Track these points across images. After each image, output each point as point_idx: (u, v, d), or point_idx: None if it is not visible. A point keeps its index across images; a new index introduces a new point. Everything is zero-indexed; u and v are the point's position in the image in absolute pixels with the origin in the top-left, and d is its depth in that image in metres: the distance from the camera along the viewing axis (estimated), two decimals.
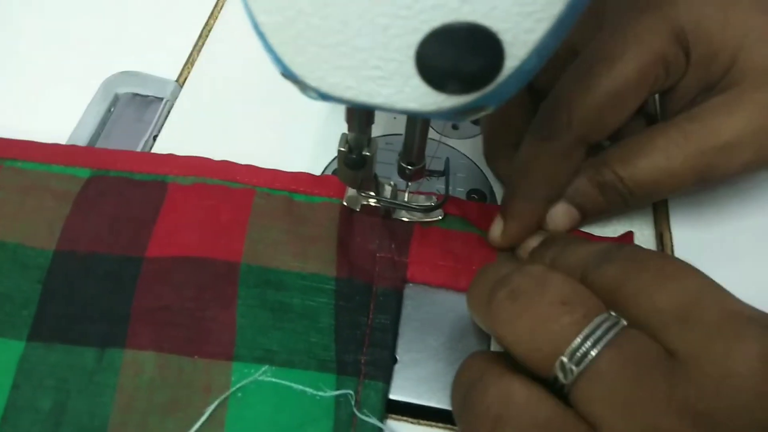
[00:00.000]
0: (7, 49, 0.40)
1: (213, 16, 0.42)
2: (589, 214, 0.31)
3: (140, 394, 0.28)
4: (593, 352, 0.20)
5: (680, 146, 0.29)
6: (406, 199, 0.32)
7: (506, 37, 0.18)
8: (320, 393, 0.28)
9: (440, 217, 0.32)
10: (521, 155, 0.30)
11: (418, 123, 0.29)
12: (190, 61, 0.40)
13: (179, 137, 0.36)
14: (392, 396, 0.29)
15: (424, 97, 0.20)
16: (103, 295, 0.30)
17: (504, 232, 0.31)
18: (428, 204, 0.32)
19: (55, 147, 0.34)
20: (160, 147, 0.36)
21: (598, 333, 0.21)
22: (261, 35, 0.20)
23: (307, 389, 0.28)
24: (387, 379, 0.29)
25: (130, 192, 0.33)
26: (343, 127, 0.28)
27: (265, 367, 0.28)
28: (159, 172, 0.33)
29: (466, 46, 0.18)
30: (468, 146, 0.37)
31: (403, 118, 0.36)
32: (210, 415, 0.27)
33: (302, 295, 0.30)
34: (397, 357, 0.29)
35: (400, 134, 0.36)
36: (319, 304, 0.30)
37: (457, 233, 0.32)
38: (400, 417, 0.29)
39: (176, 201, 0.32)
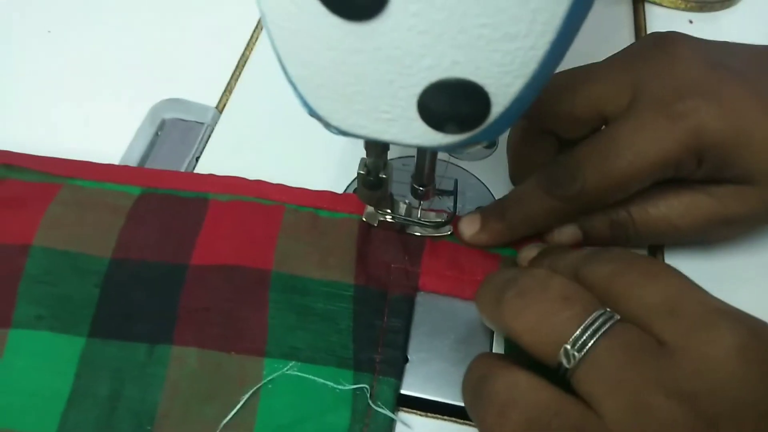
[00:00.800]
0: (65, 76, 0.45)
1: (249, 47, 0.46)
2: (591, 242, 0.35)
3: (184, 384, 0.32)
4: (592, 341, 0.24)
5: (691, 212, 0.33)
6: (418, 216, 0.36)
7: (491, 89, 0.22)
8: (339, 386, 0.31)
9: (449, 233, 0.36)
10: (522, 190, 0.34)
11: (427, 152, 0.33)
12: (228, 90, 0.44)
13: (219, 158, 0.41)
14: (404, 391, 0.32)
15: (425, 136, 0.24)
16: (153, 298, 0.34)
17: (473, 237, 0.35)
18: (438, 221, 0.36)
19: (109, 167, 0.39)
20: (202, 167, 0.40)
21: (596, 325, 0.24)
22: (291, 84, 0.24)
23: (328, 382, 0.32)
24: (399, 376, 0.32)
25: (176, 207, 0.37)
26: (362, 153, 0.32)
27: (292, 363, 0.32)
28: (201, 190, 0.38)
29: (458, 96, 0.22)
30: (477, 168, 0.40)
31: None
32: (244, 404, 0.31)
33: (324, 300, 0.34)
34: (409, 357, 0.33)
35: (414, 156, 0.40)
36: (339, 308, 0.34)
37: (463, 248, 0.36)
38: (410, 410, 0.32)
39: (216, 216, 0.37)
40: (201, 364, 0.32)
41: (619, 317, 0.24)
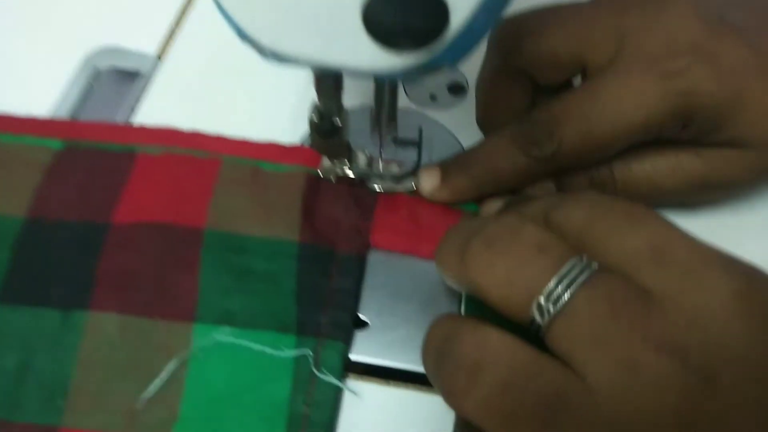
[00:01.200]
0: None
1: None
2: None
3: (101, 354, 0.28)
4: (569, 292, 0.21)
5: (676, 173, 0.30)
6: (379, 169, 0.33)
7: None
8: (279, 353, 0.28)
9: (413, 188, 0.33)
10: (492, 145, 0.31)
11: (384, 87, 0.29)
12: (169, 36, 0.40)
13: (157, 111, 0.37)
14: (354, 357, 0.29)
15: (375, 57, 0.20)
16: (70, 260, 0.31)
17: (433, 193, 0.32)
18: (400, 174, 0.33)
19: (27, 120, 0.35)
20: (140, 120, 0.36)
21: (573, 274, 0.21)
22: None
23: (266, 349, 0.28)
24: (347, 340, 0.29)
25: (100, 162, 0.33)
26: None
27: (225, 328, 0.29)
28: (128, 142, 0.34)
29: (409, 3, 0.18)
30: (445, 117, 0.37)
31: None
32: (170, 375, 0.28)
33: (265, 259, 0.30)
34: (368, 321, 0.30)
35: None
36: (282, 268, 0.30)
37: (421, 201, 0.33)
38: (361, 376, 0.29)
39: (144, 170, 0.33)
40: (121, 331, 0.29)
41: (597, 266, 0.21)
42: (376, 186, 0.33)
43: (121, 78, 0.38)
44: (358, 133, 0.34)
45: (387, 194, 0.33)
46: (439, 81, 0.39)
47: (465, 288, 0.25)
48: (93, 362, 0.28)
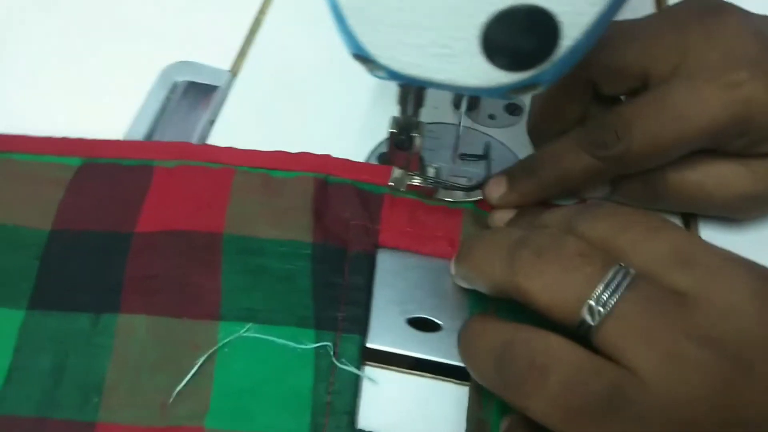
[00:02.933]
0: (70, 39, 0.43)
1: (262, 10, 0.45)
2: (617, 194, 0.35)
3: (133, 353, 0.30)
4: (617, 295, 0.23)
5: (727, 183, 0.32)
6: (449, 181, 0.35)
7: (563, 19, 0.20)
8: (300, 346, 0.30)
9: (479, 198, 0.35)
10: (558, 147, 0.33)
11: (462, 107, 0.31)
12: (242, 53, 0.42)
13: (235, 122, 0.39)
14: (370, 345, 0.31)
15: (485, 74, 0.22)
16: (97, 268, 0.32)
17: (501, 199, 0.34)
18: (469, 185, 0.35)
19: (47, 139, 0.37)
20: (218, 131, 0.39)
21: (617, 279, 0.23)
22: (339, 17, 0.23)
23: (288, 342, 0.30)
24: (363, 333, 0.31)
25: (119, 176, 0.35)
26: (386, 117, 0.30)
27: (249, 325, 0.30)
28: (144, 158, 0.36)
29: (527, 26, 0.21)
30: (503, 135, 0.39)
31: (445, 109, 0.38)
32: (199, 370, 0.29)
33: (281, 260, 0.32)
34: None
35: (442, 123, 0.39)
36: (297, 268, 0.32)
37: (423, 204, 0.35)
38: (376, 364, 0.31)
39: (162, 182, 0.35)
40: (150, 331, 0.30)
41: (635, 272, 0.24)
42: (446, 197, 0.35)
43: (197, 91, 0.40)
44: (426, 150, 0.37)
45: (391, 196, 0.35)
46: (497, 102, 0.41)
47: (504, 293, 0.26)
48: (125, 361, 0.30)
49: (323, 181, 0.35)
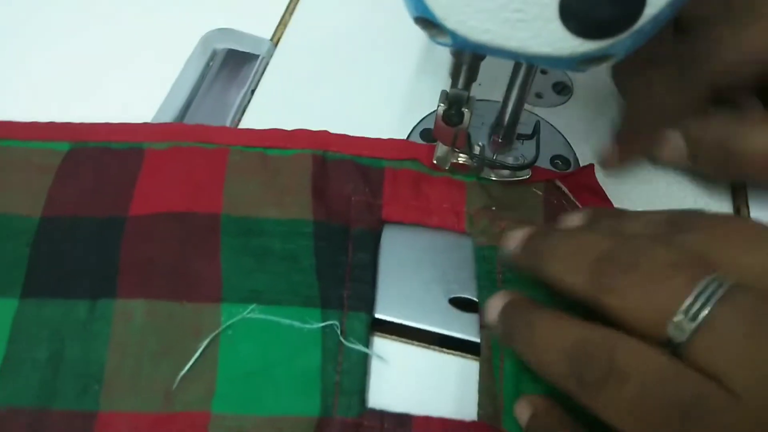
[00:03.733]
0: (112, 9, 0.42)
1: None
2: (697, 166, 0.34)
3: (132, 340, 0.29)
4: (708, 308, 0.21)
5: None
6: (494, 158, 0.34)
7: None
8: (307, 326, 0.29)
9: (527, 176, 0.34)
10: (656, 86, 0.33)
11: (518, 84, 0.30)
12: (282, 23, 0.41)
13: (275, 92, 0.38)
14: (379, 315, 0.31)
15: (559, 42, 0.21)
16: (91, 253, 0.31)
17: (617, 158, 0.34)
18: (517, 163, 0.33)
19: (34, 124, 0.36)
20: (258, 101, 0.38)
21: (710, 290, 0.21)
22: None
23: (295, 323, 0.29)
24: (369, 311, 0.30)
25: (108, 160, 0.34)
26: (428, 94, 0.29)
27: (252, 306, 0.29)
28: (135, 140, 0.35)
29: None
30: (552, 114, 0.38)
31: (488, 86, 0.37)
32: (203, 354, 0.28)
33: (282, 239, 0.31)
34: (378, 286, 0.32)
35: (486, 100, 0.38)
36: (299, 247, 0.31)
37: (425, 176, 0.34)
38: (385, 335, 0.30)
39: (153, 164, 0.34)
40: (149, 316, 0.29)
41: (733, 281, 0.22)
42: (491, 176, 0.34)
43: (237, 60, 0.39)
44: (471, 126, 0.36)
45: (392, 170, 0.34)
46: (545, 80, 0.40)
47: (587, 303, 0.25)
48: (125, 347, 0.29)
49: (321, 158, 0.34)
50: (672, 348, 0.22)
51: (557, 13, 0.20)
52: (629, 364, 0.22)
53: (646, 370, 0.22)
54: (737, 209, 0.35)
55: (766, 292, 0.21)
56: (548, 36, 0.21)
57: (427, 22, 0.23)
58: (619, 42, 0.21)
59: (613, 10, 0.20)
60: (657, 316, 0.22)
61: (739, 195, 0.35)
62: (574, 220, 0.31)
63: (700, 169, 0.34)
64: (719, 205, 0.35)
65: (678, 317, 0.21)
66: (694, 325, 0.21)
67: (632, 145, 0.35)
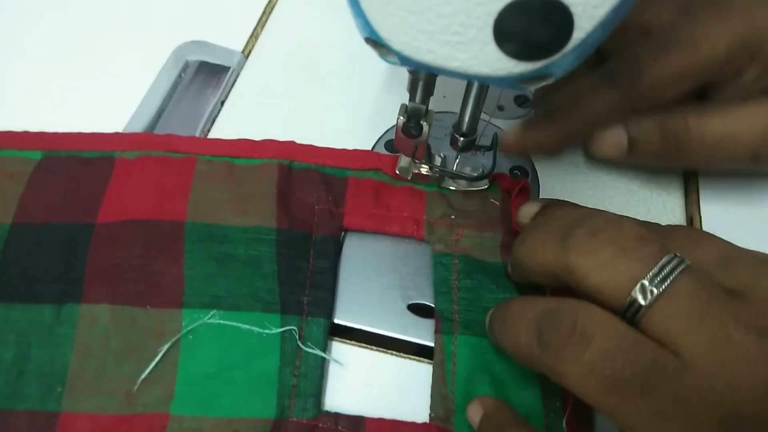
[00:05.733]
0: (86, 19, 0.43)
1: None
2: (635, 152, 0.33)
3: (96, 342, 0.30)
4: (672, 276, 0.23)
5: (752, 120, 0.31)
6: (455, 169, 0.35)
7: (576, 10, 0.20)
8: (266, 331, 0.30)
9: (486, 186, 0.35)
10: (577, 88, 0.33)
11: (472, 96, 0.31)
12: (254, 35, 0.42)
13: (245, 104, 0.39)
14: (338, 321, 0.32)
15: (496, 63, 0.22)
16: (58, 259, 0.32)
17: (517, 140, 0.35)
18: (475, 174, 0.35)
19: (7, 134, 0.36)
20: (228, 112, 0.39)
21: (672, 264, 0.23)
22: (354, 0, 0.23)
23: (254, 328, 0.30)
24: (328, 316, 0.31)
25: (80, 168, 0.35)
26: (394, 106, 0.30)
27: (213, 312, 0.31)
28: (106, 149, 0.36)
29: (540, 16, 0.21)
30: (512, 126, 0.39)
31: (453, 98, 0.39)
32: (164, 357, 0.29)
33: (245, 246, 0.32)
34: (338, 292, 0.33)
35: (450, 112, 0.39)
36: (262, 253, 0.32)
37: (387, 185, 0.35)
38: (343, 340, 0.31)
39: (123, 173, 0.35)
40: (113, 320, 0.30)
41: (689, 261, 0.24)
42: (450, 186, 0.35)
43: (209, 71, 0.40)
44: (432, 138, 0.37)
45: (355, 179, 0.35)
46: (507, 93, 0.41)
47: (555, 277, 0.26)
48: (88, 351, 0.30)
49: (287, 168, 0.35)
50: (631, 315, 0.24)
51: (492, 36, 0.21)
52: (592, 328, 0.23)
53: (609, 335, 0.23)
54: (690, 217, 0.36)
55: (715, 278, 0.24)
56: (485, 57, 0.22)
57: (375, 42, 0.24)
58: (553, 63, 0.22)
59: (542, 34, 0.21)
60: (623, 279, 0.24)
61: (690, 185, 0.37)
62: (532, 207, 0.33)
63: (640, 160, 0.34)
64: (671, 197, 0.36)
65: (645, 282, 0.23)
66: (658, 290, 0.23)
67: (539, 137, 0.35)
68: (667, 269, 0.23)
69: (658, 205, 0.36)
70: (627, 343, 0.23)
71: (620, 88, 0.32)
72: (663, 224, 0.29)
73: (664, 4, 0.32)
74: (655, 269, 0.23)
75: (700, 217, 0.36)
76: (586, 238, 0.25)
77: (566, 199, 0.33)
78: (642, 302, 0.23)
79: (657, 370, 0.22)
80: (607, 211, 0.29)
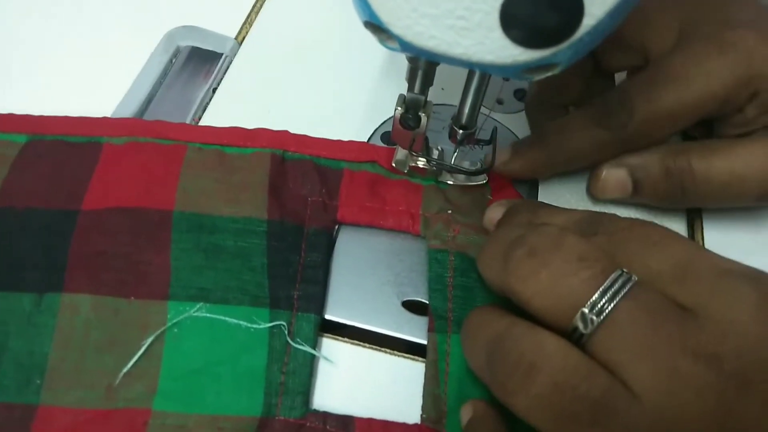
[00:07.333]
0: (76, 1, 0.42)
1: None
2: (640, 195, 0.33)
3: (77, 333, 0.29)
4: (612, 305, 0.22)
5: (757, 161, 0.30)
6: (452, 163, 0.34)
7: None
8: (254, 325, 0.29)
9: (484, 181, 0.34)
10: (566, 120, 0.32)
11: (472, 88, 0.30)
12: (248, 21, 0.41)
13: (237, 91, 0.38)
14: (329, 316, 0.31)
15: (501, 50, 0.21)
16: (41, 246, 0.31)
17: (507, 164, 0.33)
18: (474, 168, 0.34)
19: None
20: (219, 99, 0.38)
21: (616, 286, 0.22)
22: None
23: (242, 322, 0.29)
24: (319, 311, 0.30)
25: (66, 153, 0.34)
26: (391, 97, 0.29)
27: (199, 305, 0.30)
28: (93, 134, 0.35)
29: (550, 1, 0.20)
30: (511, 120, 0.38)
31: (451, 90, 0.38)
32: (147, 351, 0.28)
33: (235, 237, 0.31)
34: (329, 287, 0.32)
35: (448, 104, 0.38)
36: (252, 245, 0.31)
37: (383, 178, 0.34)
38: (333, 336, 0.31)
39: (110, 159, 0.34)
40: (96, 311, 0.29)
41: (637, 279, 0.22)
42: (448, 180, 0.34)
43: (201, 58, 0.39)
44: (430, 131, 0.36)
45: (350, 171, 0.34)
46: (507, 87, 0.40)
47: (505, 293, 0.26)
48: (69, 342, 0.29)
49: (280, 158, 0.34)
50: (576, 340, 0.23)
51: (499, 22, 0.20)
52: (538, 359, 0.22)
53: (558, 367, 0.22)
54: (691, 222, 0.35)
55: (666, 294, 0.22)
56: (491, 44, 0.21)
57: (375, 26, 0.23)
58: (561, 51, 0.21)
59: (552, 20, 0.20)
60: (565, 306, 0.23)
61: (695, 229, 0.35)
62: (496, 211, 0.32)
63: (645, 200, 0.33)
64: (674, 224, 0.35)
65: (585, 310, 0.22)
66: (599, 319, 0.22)
67: (528, 166, 0.34)
68: (610, 293, 0.22)
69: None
70: (576, 376, 0.22)
71: (611, 130, 0.31)
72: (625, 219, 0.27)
73: (665, 26, 0.31)
74: (596, 295, 0.22)
75: (703, 242, 0.34)
76: (524, 260, 0.24)
77: (562, 198, 0.33)
78: (583, 331, 0.22)
79: (607, 403, 0.21)
80: (555, 220, 0.27)
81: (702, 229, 0.35)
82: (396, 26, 0.22)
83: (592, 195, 0.34)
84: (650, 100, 0.30)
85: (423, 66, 0.28)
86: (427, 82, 0.29)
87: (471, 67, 0.23)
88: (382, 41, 0.24)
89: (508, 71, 0.23)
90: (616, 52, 0.32)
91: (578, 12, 0.20)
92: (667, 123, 0.30)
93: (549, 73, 0.23)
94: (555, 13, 0.20)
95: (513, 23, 0.20)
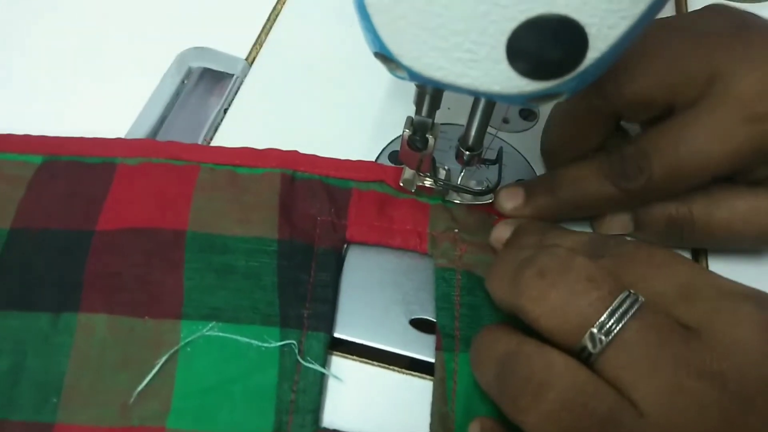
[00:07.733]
0: (90, 23, 0.43)
1: (280, 0, 0.44)
2: (641, 234, 0.33)
3: (93, 352, 0.29)
4: (620, 325, 0.23)
5: (756, 216, 0.31)
6: (459, 183, 0.35)
7: (591, 31, 0.20)
8: (265, 344, 0.30)
9: (490, 201, 0.35)
10: (580, 172, 0.32)
11: (479, 111, 0.31)
12: (258, 42, 0.42)
13: (248, 112, 0.39)
14: (338, 335, 0.31)
15: (507, 81, 0.22)
16: (57, 266, 0.32)
17: (516, 210, 0.33)
18: (480, 189, 0.34)
19: (7, 137, 0.36)
20: (231, 119, 0.38)
21: (624, 307, 0.23)
22: (364, 15, 0.22)
23: (253, 341, 0.30)
24: (329, 330, 0.31)
25: (80, 174, 0.35)
26: (399, 116, 0.30)
27: (212, 324, 0.30)
28: (108, 155, 0.35)
29: (555, 36, 0.20)
30: (517, 140, 0.39)
31: (458, 110, 0.38)
32: (161, 370, 0.29)
33: (245, 257, 0.32)
34: (339, 305, 0.32)
35: (454, 124, 0.39)
36: (262, 264, 0.32)
37: (390, 198, 0.35)
38: (342, 354, 0.31)
39: (124, 179, 0.34)
40: (111, 330, 0.30)
41: (644, 299, 0.23)
42: (455, 199, 0.35)
43: (212, 78, 0.40)
44: (436, 150, 0.36)
45: (359, 191, 0.35)
46: (512, 106, 0.40)
47: (513, 312, 0.26)
48: (85, 361, 0.29)
49: (290, 177, 0.35)
50: (585, 358, 0.23)
51: (505, 55, 0.21)
52: (548, 377, 0.23)
53: (564, 384, 0.23)
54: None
55: (671, 314, 0.23)
56: (497, 75, 0.22)
57: (385, 57, 0.24)
58: (565, 83, 0.22)
59: (557, 54, 0.21)
60: (574, 326, 0.23)
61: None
62: (503, 231, 0.32)
63: (646, 238, 0.33)
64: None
65: (593, 330, 0.23)
66: (607, 339, 0.23)
67: (539, 214, 0.34)
68: (618, 314, 0.23)
69: None
70: (585, 394, 0.22)
71: (627, 192, 0.31)
72: (631, 241, 0.28)
73: (695, 76, 0.30)
74: (605, 316, 0.23)
75: (707, 265, 0.35)
76: (534, 281, 0.25)
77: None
78: (592, 350, 0.23)
79: (614, 420, 0.22)
80: (564, 242, 0.28)
81: (706, 254, 0.35)
82: (405, 58, 0.23)
83: (595, 230, 0.35)
84: (670, 165, 0.30)
85: (430, 90, 0.29)
86: (435, 105, 0.30)
87: (477, 95, 0.24)
88: (391, 70, 0.25)
89: (513, 100, 0.23)
90: (644, 108, 0.31)
91: (583, 46, 0.20)
92: (683, 185, 0.31)
93: (555, 101, 0.24)
94: (560, 48, 0.21)
95: (519, 56, 0.21)
